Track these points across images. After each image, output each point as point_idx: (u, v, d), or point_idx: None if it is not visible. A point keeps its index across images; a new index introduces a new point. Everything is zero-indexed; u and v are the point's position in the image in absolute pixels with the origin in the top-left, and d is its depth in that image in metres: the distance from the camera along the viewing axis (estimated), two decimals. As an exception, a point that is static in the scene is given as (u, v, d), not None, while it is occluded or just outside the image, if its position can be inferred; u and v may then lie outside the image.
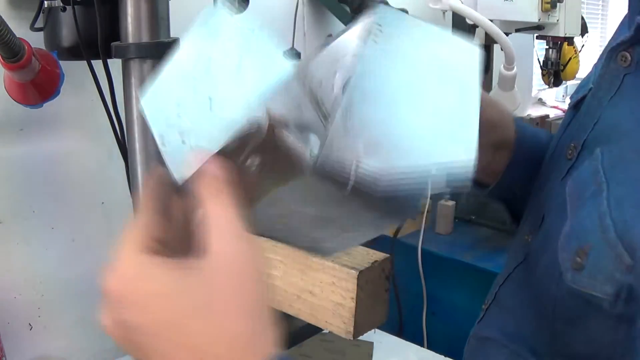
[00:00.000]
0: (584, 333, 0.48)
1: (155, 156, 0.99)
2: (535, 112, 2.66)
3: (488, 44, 1.87)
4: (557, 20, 1.59)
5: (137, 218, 0.41)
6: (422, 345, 1.48)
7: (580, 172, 0.50)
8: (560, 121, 1.99)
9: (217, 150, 0.38)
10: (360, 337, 0.64)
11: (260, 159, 0.39)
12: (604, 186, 0.46)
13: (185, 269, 0.38)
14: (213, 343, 0.36)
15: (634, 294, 0.41)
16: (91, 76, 1.02)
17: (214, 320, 0.37)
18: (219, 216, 0.38)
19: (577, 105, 0.58)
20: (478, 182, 0.69)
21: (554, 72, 1.93)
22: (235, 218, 0.38)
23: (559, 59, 1.88)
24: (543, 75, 1.99)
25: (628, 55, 0.50)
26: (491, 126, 0.62)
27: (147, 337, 0.37)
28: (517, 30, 1.64)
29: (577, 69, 2.10)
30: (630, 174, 0.45)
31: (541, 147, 0.65)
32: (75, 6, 0.97)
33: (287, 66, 0.38)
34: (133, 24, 0.94)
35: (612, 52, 0.52)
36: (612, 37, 0.58)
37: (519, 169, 0.65)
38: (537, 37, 1.90)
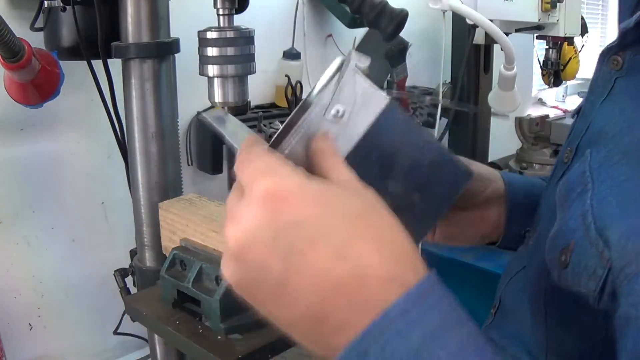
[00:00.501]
0: (576, 331, 0.48)
1: (154, 156, 0.99)
2: (535, 112, 2.66)
3: (488, 44, 1.87)
4: (557, 20, 1.58)
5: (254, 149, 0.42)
6: (422, 345, 1.47)
7: (571, 174, 0.50)
8: (560, 121, 1.98)
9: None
10: (360, 337, 0.64)
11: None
12: (589, 186, 0.46)
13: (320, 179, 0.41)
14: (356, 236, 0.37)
15: (615, 290, 0.41)
16: (91, 76, 1.02)
17: (357, 218, 0.38)
18: (339, 168, 0.42)
19: (579, 111, 0.59)
20: (489, 240, 0.70)
21: (554, 72, 1.92)
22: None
23: (559, 59, 1.88)
24: (543, 75, 1.98)
25: (619, 58, 0.50)
26: (486, 182, 0.64)
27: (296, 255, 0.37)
28: (517, 30, 1.63)
29: (577, 69, 2.10)
30: (614, 174, 0.45)
31: (535, 190, 0.66)
32: (75, 6, 0.97)
33: None
34: (133, 24, 0.94)
35: (603, 55, 0.52)
36: None
37: (519, 217, 0.66)
38: (537, 37, 1.90)
